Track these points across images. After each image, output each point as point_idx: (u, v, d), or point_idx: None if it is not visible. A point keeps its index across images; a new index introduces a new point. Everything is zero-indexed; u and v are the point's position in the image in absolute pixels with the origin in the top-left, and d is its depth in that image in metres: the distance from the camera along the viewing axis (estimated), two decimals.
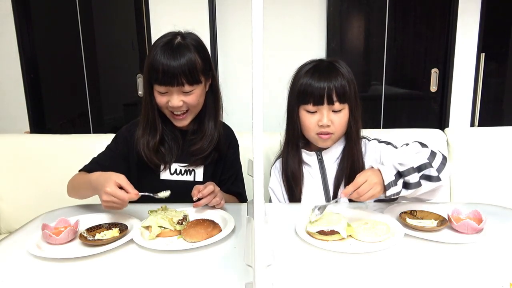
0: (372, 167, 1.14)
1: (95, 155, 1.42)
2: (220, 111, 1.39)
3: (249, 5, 0.59)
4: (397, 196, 1.14)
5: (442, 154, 1.20)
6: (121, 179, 1.10)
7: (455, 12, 2.58)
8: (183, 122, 1.33)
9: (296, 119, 1.34)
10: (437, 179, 1.13)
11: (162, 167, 1.36)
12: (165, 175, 1.37)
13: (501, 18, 2.76)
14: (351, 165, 1.34)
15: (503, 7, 2.73)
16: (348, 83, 1.28)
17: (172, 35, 1.28)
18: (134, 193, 1.09)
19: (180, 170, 1.37)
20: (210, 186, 1.20)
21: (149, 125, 1.33)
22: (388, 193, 1.10)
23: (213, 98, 1.37)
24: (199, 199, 1.19)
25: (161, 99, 1.28)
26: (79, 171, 1.39)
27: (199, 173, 1.38)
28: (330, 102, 1.27)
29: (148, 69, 1.25)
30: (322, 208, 1.08)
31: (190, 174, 1.38)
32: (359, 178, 1.10)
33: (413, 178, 1.11)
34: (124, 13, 2.81)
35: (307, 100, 1.28)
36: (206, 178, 1.37)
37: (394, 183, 1.10)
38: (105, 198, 1.09)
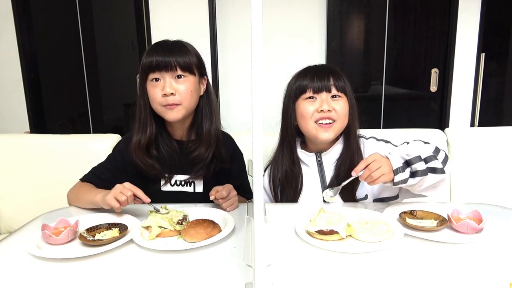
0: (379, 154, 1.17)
1: (95, 162, 1.42)
2: (216, 116, 1.37)
3: (249, 5, 0.59)
4: (404, 185, 1.15)
5: (445, 152, 1.24)
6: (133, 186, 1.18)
7: (455, 12, 2.58)
8: (174, 115, 1.27)
9: (292, 115, 1.34)
10: (442, 171, 1.16)
11: (163, 181, 1.36)
12: (166, 187, 1.37)
13: (501, 18, 2.76)
14: (350, 164, 1.32)
15: (503, 7, 2.73)
16: (344, 81, 1.31)
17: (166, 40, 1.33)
18: (145, 198, 1.16)
19: (181, 182, 1.37)
20: (228, 187, 1.25)
21: (141, 124, 1.33)
22: (396, 178, 1.12)
23: (208, 103, 1.36)
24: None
25: (154, 90, 1.26)
26: (80, 180, 1.39)
27: (199, 184, 1.38)
28: (328, 90, 1.28)
29: (142, 65, 1.27)
30: (335, 190, 1.13)
31: (190, 186, 1.37)
32: (369, 157, 1.14)
33: (420, 166, 1.13)
34: (124, 13, 2.81)
35: (305, 90, 1.29)
36: (207, 189, 1.33)
37: (402, 169, 1.13)
38: (118, 189, 1.15)
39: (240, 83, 2.68)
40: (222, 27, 2.59)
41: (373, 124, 2.82)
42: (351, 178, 1.17)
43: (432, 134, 2.00)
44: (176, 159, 1.35)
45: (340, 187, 1.13)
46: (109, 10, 2.83)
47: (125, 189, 1.15)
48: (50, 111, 2.95)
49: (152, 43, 2.59)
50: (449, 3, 2.60)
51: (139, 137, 1.31)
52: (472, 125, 2.74)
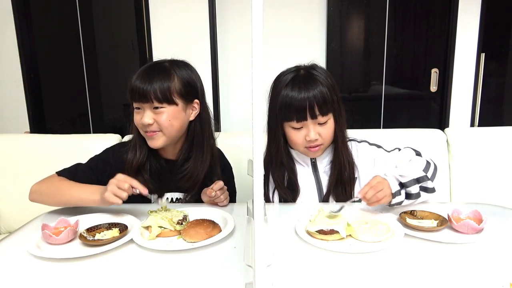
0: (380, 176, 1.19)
1: (79, 161, 1.39)
2: (209, 143, 1.34)
3: (249, 5, 0.59)
4: (398, 206, 1.19)
5: (434, 163, 1.27)
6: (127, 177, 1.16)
7: (455, 12, 2.58)
8: (154, 142, 1.27)
9: (280, 136, 1.31)
10: (433, 190, 1.21)
11: (153, 200, 1.33)
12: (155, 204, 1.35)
13: (501, 18, 2.76)
14: (340, 167, 1.33)
15: (503, 7, 2.73)
16: (328, 90, 1.24)
17: (161, 60, 1.30)
18: (143, 189, 1.14)
19: (172, 199, 1.36)
20: (220, 182, 1.26)
21: (136, 144, 1.32)
22: (394, 201, 1.15)
23: (200, 129, 1.33)
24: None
25: (136, 117, 1.27)
26: (57, 174, 1.35)
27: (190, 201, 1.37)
28: (314, 117, 1.24)
29: (128, 88, 1.27)
30: (339, 208, 1.12)
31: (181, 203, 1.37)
32: (373, 180, 1.16)
33: (414, 189, 1.17)
34: (124, 13, 2.81)
35: (290, 117, 1.25)
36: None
37: (399, 192, 1.16)
38: (114, 184, 1.11)
39: (240, 83, 2.67)
40: (222, 27, 2.58)
41: (373, 124, 2.82)
42: (356, 198, 1.19)
43: (432, 134, 1.99)
44: (168, 178, 1.34)
45: (345, 205, 1.13)
46: (109, 10, 2.83)
47: (121, 183, 1.12)
48: (50, 111, 2.94)
49: (152, 43, 2.63)
50: (449, 3, 2.60)
51: (131, 158, 1.31)
52: (472, 125, 2.74)
